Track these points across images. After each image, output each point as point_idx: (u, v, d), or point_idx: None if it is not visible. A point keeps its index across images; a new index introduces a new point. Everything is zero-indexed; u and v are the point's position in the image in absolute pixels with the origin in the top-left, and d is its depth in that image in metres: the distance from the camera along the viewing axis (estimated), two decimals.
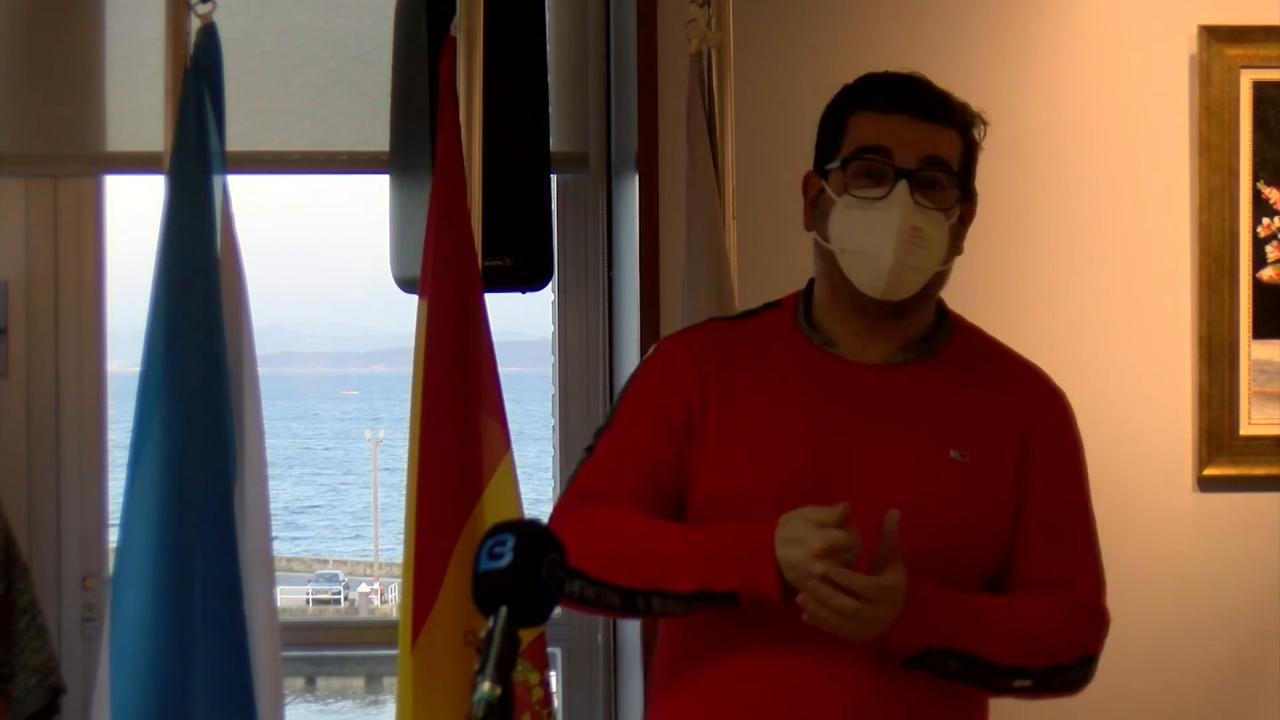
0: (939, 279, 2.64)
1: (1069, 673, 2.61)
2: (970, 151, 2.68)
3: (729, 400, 2.63)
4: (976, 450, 2.60)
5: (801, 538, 2.45)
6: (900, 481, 2.57)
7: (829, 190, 2.63)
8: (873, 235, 2.57)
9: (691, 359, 2.67)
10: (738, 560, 2.49)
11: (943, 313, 2.72)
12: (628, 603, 2.57)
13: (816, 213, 2.67)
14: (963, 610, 2.54)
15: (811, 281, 2.73)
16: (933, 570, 2.52)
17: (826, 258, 2.64)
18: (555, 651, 4.07)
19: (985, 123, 2.71)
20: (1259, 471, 4.08)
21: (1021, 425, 2.64)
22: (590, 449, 2.71)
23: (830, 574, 2.44)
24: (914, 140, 2.59)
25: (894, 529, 2.46)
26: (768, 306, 2.76)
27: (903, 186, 2.57)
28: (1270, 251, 4.08)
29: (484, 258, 3.41)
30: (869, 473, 2.57)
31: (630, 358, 3.99)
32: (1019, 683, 2.57)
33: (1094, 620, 2.66)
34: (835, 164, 2.63)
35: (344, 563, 33.17)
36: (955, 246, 2.65)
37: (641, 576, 2.55)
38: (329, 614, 26.03)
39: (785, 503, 2.52)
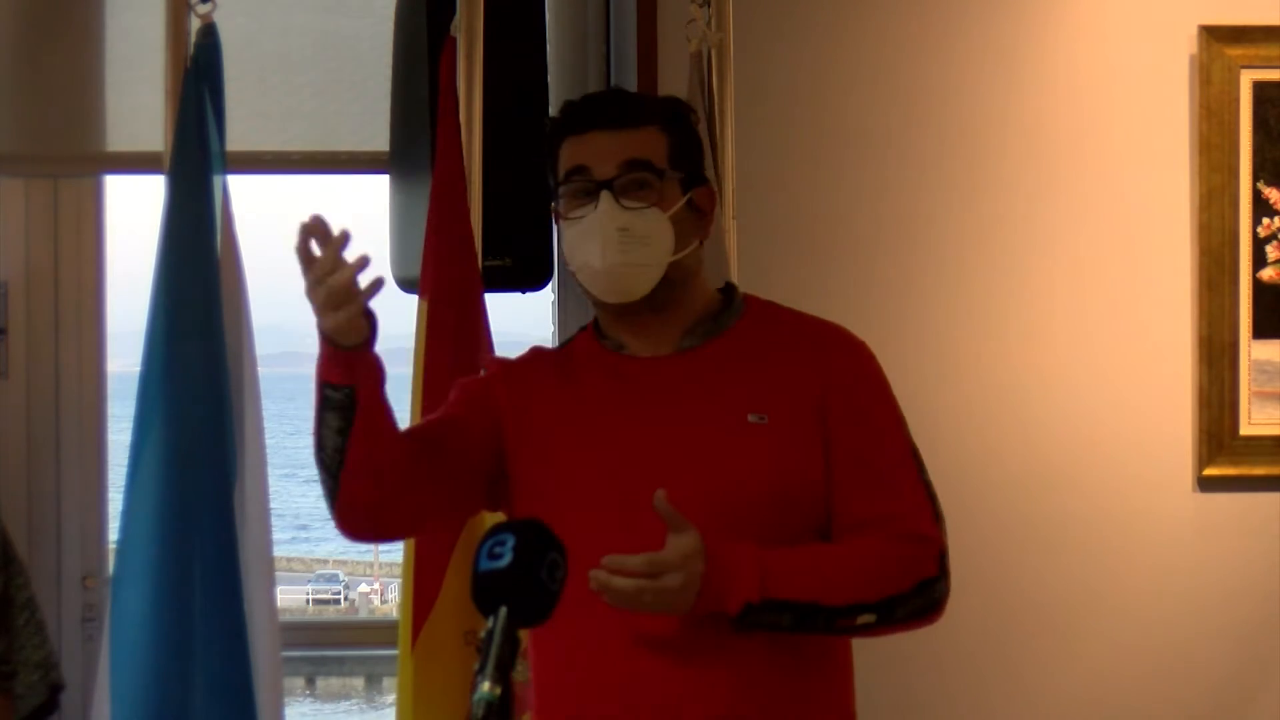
0: (679, 267, 2.70)
1: (911, 600, 2.63)
2: (684, 141, 2.74)
3: (540, 420, 2.71)
4: (775, 411, 2.66)
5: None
6: (701, 452, 2.63)
7: (560, 219, 2.75)
8: (585, 247, 2.68)
9: (510, 375, 2.78)
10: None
11: (731, 296, 2.79)
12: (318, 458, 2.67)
13: (560, 242, 2.78)
14: (775, 561, 2.57)
15: None
16: (752, 532, 2.58)
17: (575, 280, 2.75)
18: None
19: (693, 110, 2.81)
20: (1259, 471, 4.08)
21: (818, 379, 2.69)
22: None
23: (603, 560, 2.50)
24: (609, 151, 2.69)
25: (664, 506, 2.51)
26: (579, 332, 2.85)
27: (605, 196, 2.67)
28: (1270, 251, 4.08)
29: (484, 258, 3.41)
30: (667, 452, 2.63)
31: None
32: (862, 619, 2.60)
33: (922, 546, 2.65)
34: (554, 195, 2.75)
35: (344, 563, 33.12)
36: (692, 233, 2.72)
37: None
38: (329, 614, 25.99)
39: (589, 498, 2.62)
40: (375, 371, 2.61)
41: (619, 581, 2.51)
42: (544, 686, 2.72)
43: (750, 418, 2.66)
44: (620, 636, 2.61)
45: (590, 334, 2.80)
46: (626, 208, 2.67)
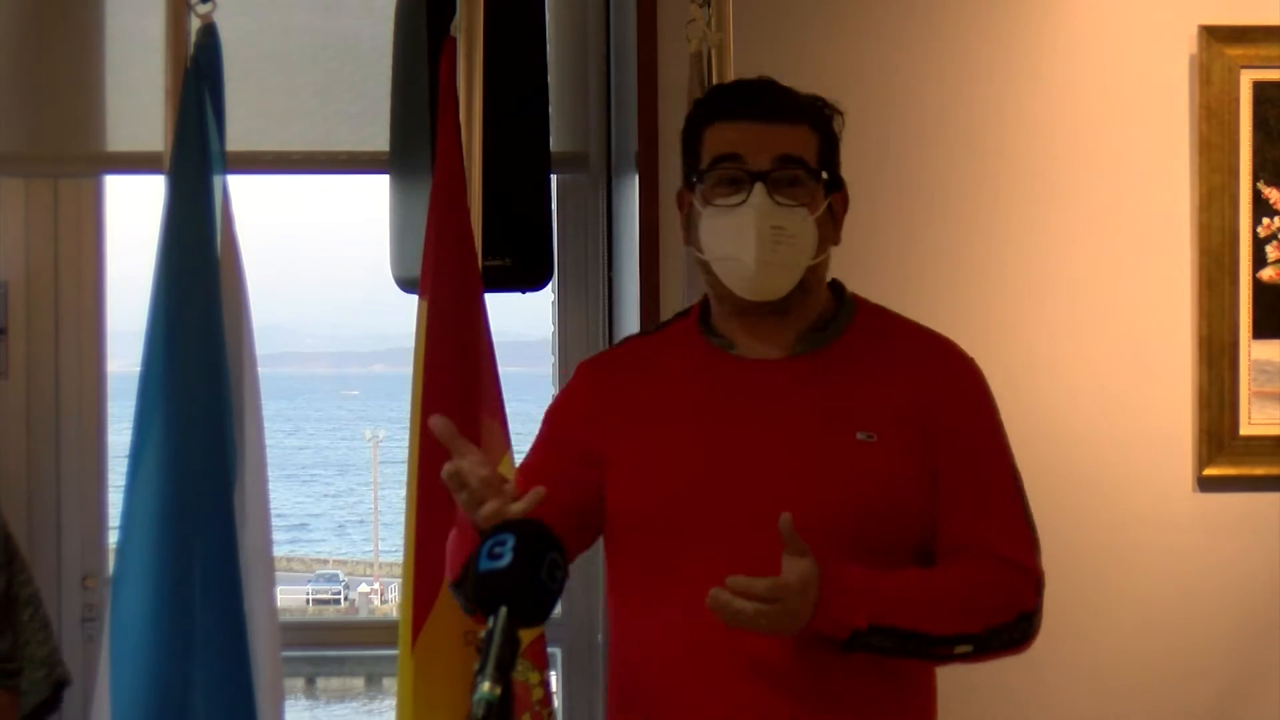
0: (815, 272, 2.67)
1: (1010, 632, 2.64)
2: (829, 144, 2.71)
3: (632, 417, 2.67)
4: (883, 430, 2.63)
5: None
6: (807, 468, 2.60)
7: (696, 204, 2.68)
8: (736, 240, 2.62)
9: (596, 383, 2.74)
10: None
11: (841, 298, 2.75)
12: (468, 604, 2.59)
13: (690, 227, 2.72)
14: (885, 588, 2.56)
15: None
16: (854, 551, 2.56)
17: (704, 267, 2.69)
18: (555, 651, 4.07)
19: (840, 112, 2.75)
20: (1259, 471, 4.08)
21: (927, 398, 2.66)
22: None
23: (728, 581, 2.47)
24: (764, 143, 2.64)
25: (788, 529, 2.48)
26: (678, 316, 2.81)
27: (759, 189, 2.61)
28: (1270, 251, 4.08)
29: (484, 258, 3.41)
30: (775, 464, 2.60)
31: None
32: (960, 649, 2.60)
33: (1024, 576, 2.66)
34: (696, 178, 2.69)
35: (344, 563, 33.17)
36: (828, 238, 2.70)
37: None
38: (329, 614, 26.03)
39: (695, 506, 2.58)
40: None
41: (739, 603, 2.47)
42: (629, 692, 2.68)
43: (859, 435, 2.62)
44: (725, 657, 2.57)
45: (693, 325, 2.73)
46: (779, 204, 2.61)
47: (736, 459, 2.61)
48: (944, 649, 2.59)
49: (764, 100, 2.69)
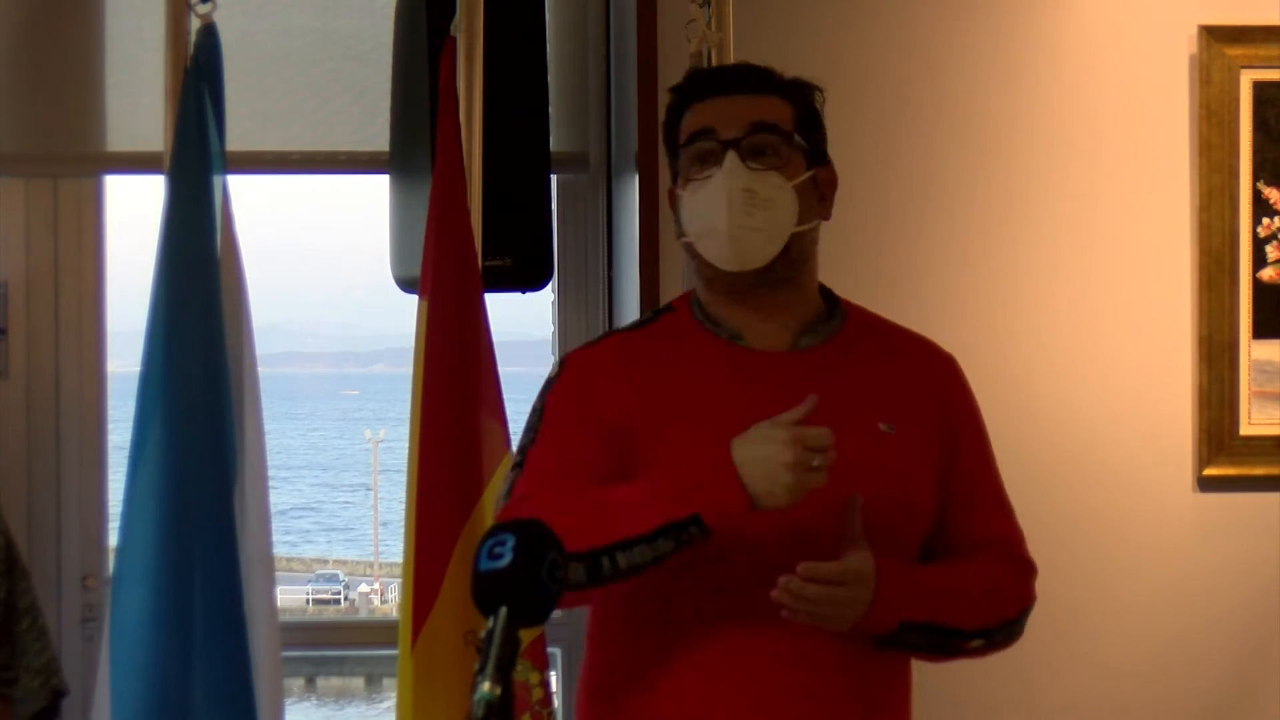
0: (800, 242, 2.64)
1: (1015, 626, 2.68)
2: (808, 117, 2.69)
3: (656, 411, 2.62)
4: (902, 421, 2.64)
5: (766, 435, 2.45)
6: (839, 459, 2.54)
7: (679, 190, 2.69)
8: (711, 209, 2.61)
9: (608, 373, 2.67)
10: (697, 482, 2.46)
11: (832, 300, 2.74)
12: (593, 571, 2.48)
13: (677, 217, 2.71)
14: (928, 584, 2.58)
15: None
16: (874, 542, 2.54)
17: (691, 251, 2.68)
18: (555, 651, 4.07)
19: (819, 89, 2.73)
20: (1259, 471, 4.08)
21: (931, 394, 2.69)
22: (518, 465, 2.65)
23: (800, 568, 2.46)
24: (736, 112, 2.64)
25: (856, 511, 2.49)
26: (663, 311, 2.78)
27: (730, 156, 2.61)
28: (1270, 251, 4.08)
29: (484, 258, 3.41)
30: None
31: None
32: (974, 644, 2.62)
33: (1028, 572, 2.72)
34: (676, 160, 2.69)
35: (344, 563, 33.19)
36: (812, 209, 2.66)
37: (600, 534, 2.48)
38: (329, 614, 26.04)
39: None
40: None
41: (812, 589, 2.46)
42: (655, 687, 2.62)
43: (881, 426, 2.62)
44: (758, 649, 2.55)
45: (688, 317, 2.70)
46: (752, 169, 2.60)
47: None
48: (963, 643, 2.62)
49: (735, 75, 2.72)
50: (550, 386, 2.70)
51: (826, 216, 2.70)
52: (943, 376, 2.73)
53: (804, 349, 2.66)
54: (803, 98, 2.70)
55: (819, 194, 2.68)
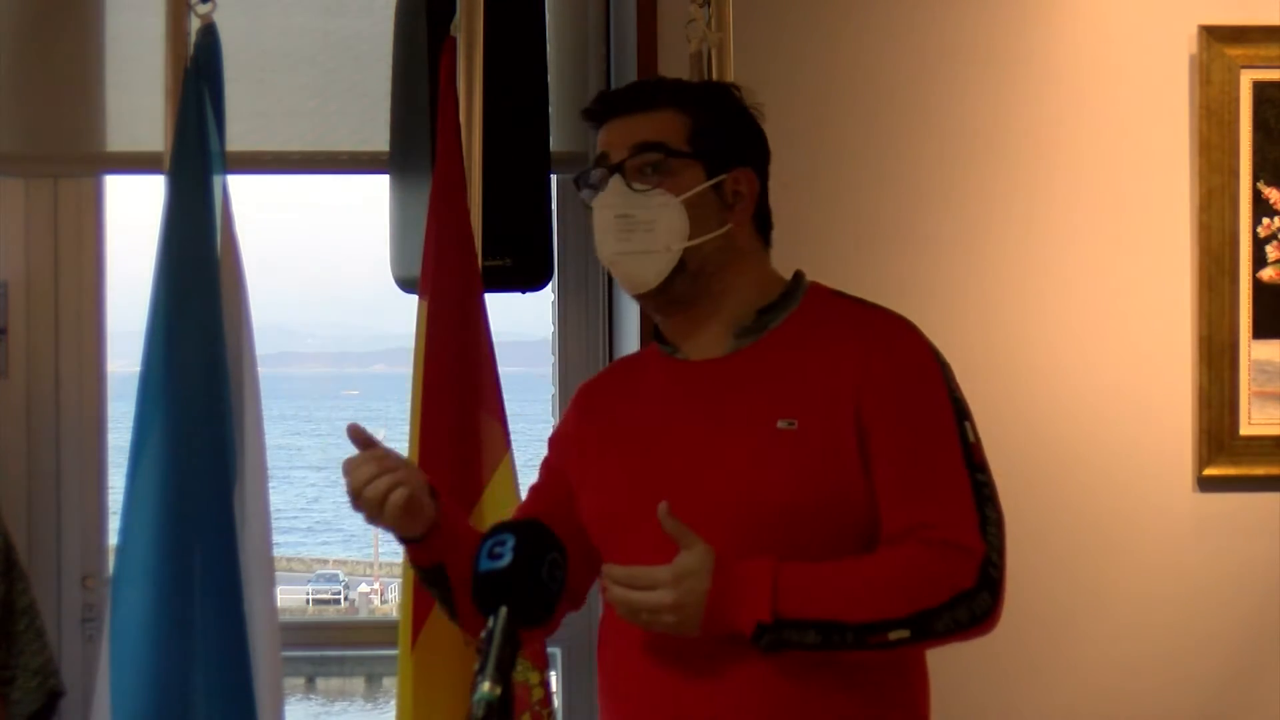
0: (699, 255, 2.60)
1: (947, 614, 2.48)
2: (707, 123, 2.63)
3: (602, 436, 2.67)
4: (807, 416, 2.54)
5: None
6: (724, 461, 2.54)
7: None
8: (598, 239, 2.63)
9: (581, 407, 2.75)
10: None
11: (794, 287, 2.67)
12: None
13: None
14: (791, 578, 2.46)
15: None
16: (779, 545, 2.48)
17: None
18: (555, 651, 4.07)
19: (736, 88, 2.70)
20: (1259, 471, 4.08)
21: (855, 379, 2.55)
22: None
23: (604, 570, 2.48)
24: (623, 135, 2.62)
25: (667, 519, 2.45)
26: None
27: (612, 181, 2.60)
28: (1270, 251, 4.08)
29: (484, 258, 3.41)
30: (701, 462, 2.55)
31: None
32: (895, 634, 2.46)
33: (959, 555, 2.49)
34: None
35: (344, 563, 33.17)
36: (711, 219, 2.61)
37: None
38: (329, 614, 26.04)
39: (636, 511, 2.54)
40: (457, 543, 2.55)
41: (613, 591, 2.47)
42: (604, 697, 2.68)
43: (779, 424, 2.54)
44: (642, 650, 2.55)
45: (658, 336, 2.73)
46: (636, 190, 2.58)
47: (673, 461, 2.58)
48: (876, 638, 2.46)
49: (625, 95, 2.69)
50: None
51: (739, 222, 2.64)
52: (873, 357, 2.57)
53: (735, 351, 2.63)
54: (705, 105, 2.65)
55: (723, 202, 2.63)
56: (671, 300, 2.62)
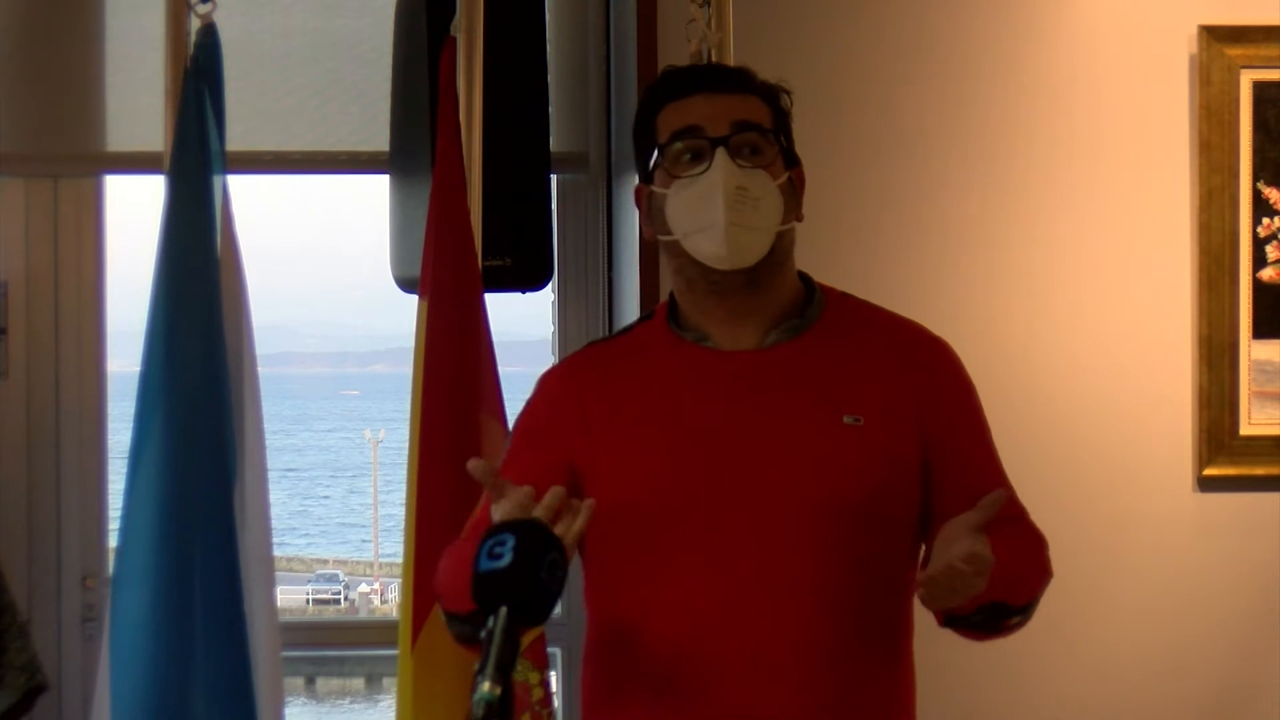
0: (783, 243, 2.64)
1: (1039, 599, 2.63)
2: (781, 118, 2.70)
3: (615, 420, 2.63)
4: (869, 413, 2.60)
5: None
6: (798, 455, 2.56)
7: (657, 189, 2.66)
8: (704, 207, 2.59)
9: (571, 390, 2.69)
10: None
11: (811, 288, 2.72)
12: (477, 630, 2.36)
13: (653, 215, 2.68)
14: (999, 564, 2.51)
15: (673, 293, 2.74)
16: (854, 537, 2.54)
17: (673, 250, 2.65)
18: (555, 651, 4.07)
19: (788, 91, 2.74)
20: (1259, 471, 4.08)
21: (912, 380, 2.64)
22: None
23: (962, 558, 2.43)
24: (720, 111, 2.63)
25: (993, 505, 2.45)
26: (641, 320, 2.78)
27: (720, 154, 2.60)
28: (1270, 251, 4.08)
29: (484, 258, 3.41)
30: (766, 454, 2.57)
31: None
32: (1014, 620, 2.57)
33: (1045, 545, 2.67)
34: (659, 157, 2.66)
35: (344, 563, 33.22)
36: (792, 210, 2.66)
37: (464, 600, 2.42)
38: (329, 614, 26.07)
39: (688, 504, 2.54)
40: None
41: (964, 577, 2.43)
42: (624, 691, 2.63)
43: (845, 419, 2.59)
44: (723, 650, 2.54)
45: (662, 323, 2.70)
46: (741, 166, 2.60)
47: (721, 451, 2.57)
48: (1008, 620, 2.56)
49: (713, 74, 2.73)
50: (522, 410, 2.74)
51: (800, 217, 2.69)
52: (924, 362, 2.67)
53: (771, 346, 2.64)
54: (776, 100, 2.70)
55: (795, 195, 2.68)
56: (752, 281, 2.62)
